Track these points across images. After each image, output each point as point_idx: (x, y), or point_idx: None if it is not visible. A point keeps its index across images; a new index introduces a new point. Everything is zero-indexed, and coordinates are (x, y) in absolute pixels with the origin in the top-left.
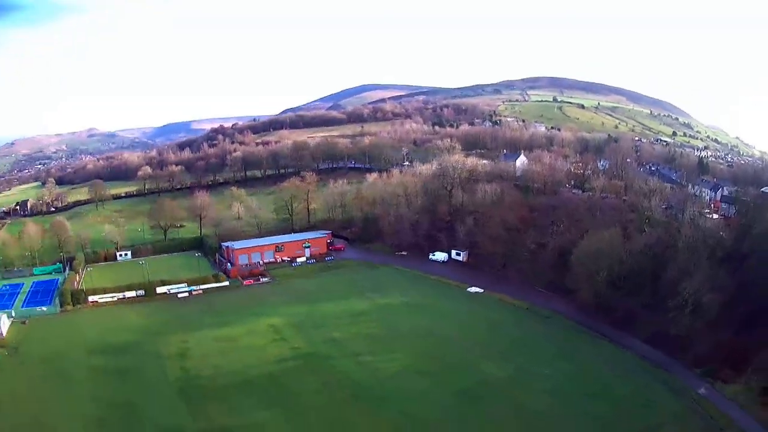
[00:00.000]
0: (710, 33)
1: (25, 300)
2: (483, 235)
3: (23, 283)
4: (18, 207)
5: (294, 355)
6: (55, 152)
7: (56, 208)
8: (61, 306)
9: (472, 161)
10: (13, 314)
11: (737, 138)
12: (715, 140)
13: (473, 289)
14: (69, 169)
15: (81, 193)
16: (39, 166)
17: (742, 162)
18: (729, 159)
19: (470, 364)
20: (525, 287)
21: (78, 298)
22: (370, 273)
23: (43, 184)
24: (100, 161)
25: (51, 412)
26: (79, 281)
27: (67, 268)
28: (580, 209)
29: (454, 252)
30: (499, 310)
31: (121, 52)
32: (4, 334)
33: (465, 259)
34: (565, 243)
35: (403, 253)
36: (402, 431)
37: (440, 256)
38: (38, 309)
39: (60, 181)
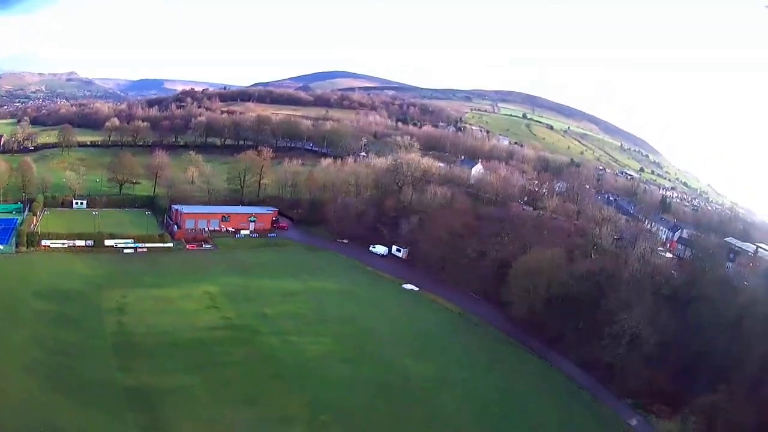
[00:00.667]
0: (701, 76)
1: None
2: (426, 235)
3: None
4: None
5: (224, 324)
6: (34, 92)
7: (26, 147)
8: (17, 247)
9: (427, 162)
10: None
11: (709, 186)
12: (684, 183)
13: (408, 286)
14: (44, 111)
15: (51, 136)
16: (17, 104)
17: (709, 208)
18: (695, 203)
19: (393, 358)
20: (460, 293)
21: (32, 240)
22: (309, 255)
23: (19, 121)
24: (73, 107)
25: None
26: (36, 224)
27: (26, 209)
28: (527, 225)
29: (394, 247)
30: (430, 311)
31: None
32: None
33: (404, 256)
34: (506, 255)
35: (345, 241)
36: (315, 410)
37: (380, 249)
38: None
39: (34, 121)
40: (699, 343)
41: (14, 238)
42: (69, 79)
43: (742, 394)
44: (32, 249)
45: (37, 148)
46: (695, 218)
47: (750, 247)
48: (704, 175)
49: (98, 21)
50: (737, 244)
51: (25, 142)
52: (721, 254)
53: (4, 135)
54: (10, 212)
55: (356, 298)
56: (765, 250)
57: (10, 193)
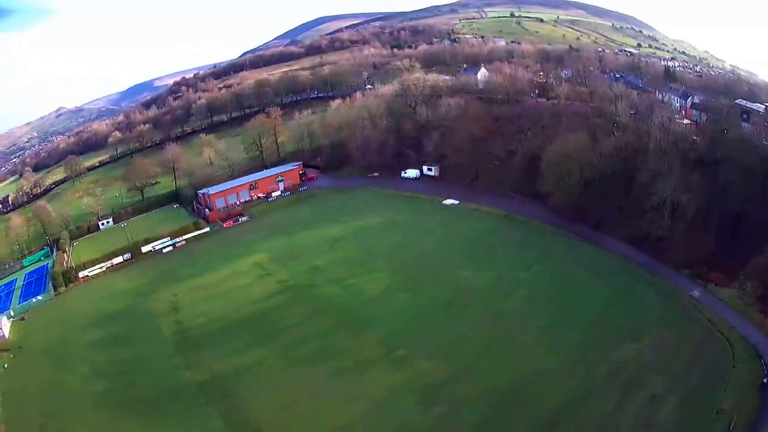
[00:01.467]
0: None
1: (20, 295)
2: (451, 147)
3: (16, 279)
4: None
5: (279, 288)
6: (27, 141)
7: (36, 195)
8: (55, 290)
9: (433, 77)
10: (12, 313)
11: (706, 52)
12: (683, 53)
13: (448, 202)
14: (43, 154)
15: (57, 174)
16: (14, 159)
17: (713, 73)
18: (698, 70)
19: (450, 275)
20: (498, 196)
21: (69, 277)
22: (343, 197)
23: (21, 175)
24: (71, 138)
25: (61, 401)
26: (68, 260)
27: (54, 250)
28: (545, 116)
29: (425, 168)
30: (475, 220)
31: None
32: (7, 335)
33: (437, 174)
34: (533, 149)
35: (375, 174)
36: (389, 347)
37: (412, 173)
38: (34, 300)
39: (36, 168)
40: (735, 204)
41: (50, 283)
42: (58, 116)
43: None
44: (71, 286)
45: (47, 191)
46: (702, 84)
47: (760, 107)
48: (700, 42)
49: (70, 45)
50: (748, 105)
51: (34, 190)
52: (735, 115)
53: (10, 194)
54: (39, 260)
55: (400, 226)
56: None
57: (34, 242)
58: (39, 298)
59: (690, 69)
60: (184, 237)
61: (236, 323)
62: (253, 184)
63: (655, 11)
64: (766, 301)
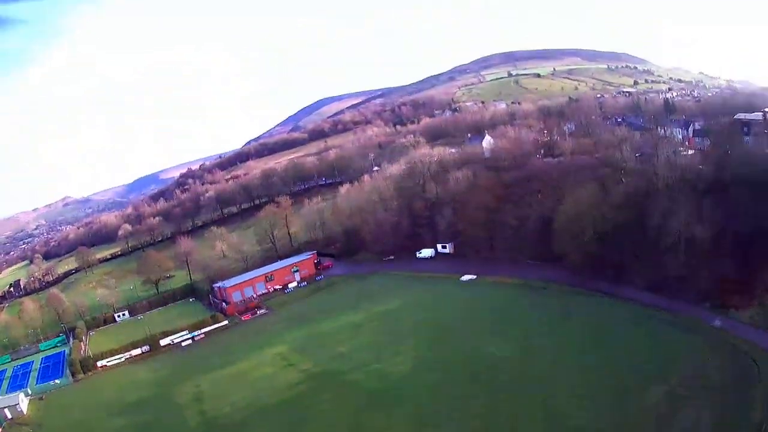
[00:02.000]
0: None
1: (38, 377)
2: (464, 222)
3: (33, 361)
4: (12, 288)
5: (305, 377)
6: (35, 228)
7: (48, 282)
8: (73, 376)
9: (439, 151)
10: (30, 391)
11: (701, 73)
12: (679, 80)
13: (466, 278)
14: (53, 243)
15: (69, 263)
16: (23, 246)
17: (710, 95)
18: (695, 95)
19: (474, 348)
20: (516, 264)
21: (87, 365)
22: (361, 284)
23: (31, 261)
24: (80, 229)
25: None
26: (85, 348)
27: (70, 338)
28: (553, 175)
29: (439, 246)
30: (495, 292)
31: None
32: (25, 411)
33: (452, 251)
34: (545, 211)
35: (390, 257)
36: (420, 424)
37: (427, 252)
38: (52, 383)
39: (47, 256)
40: (748, 223)
41: (68, 369)
42: (65, 205)
43: None
44: (90, 374)
45: (59, 279)
46: (701, 108)
47: (758, 116)
48: (694, 64)
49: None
50: (746, 117)
51: (46, 277)
52: (736, 132)
53: (22, 278)
54: (55, 346)
55: (421, 306)
56: None
57: (48, 329)
58: (57, 381)
59: (688, 95)
60: (203, 330)
61: (263, 412)
62: (269, 275)
63: (646, 42)
64: None
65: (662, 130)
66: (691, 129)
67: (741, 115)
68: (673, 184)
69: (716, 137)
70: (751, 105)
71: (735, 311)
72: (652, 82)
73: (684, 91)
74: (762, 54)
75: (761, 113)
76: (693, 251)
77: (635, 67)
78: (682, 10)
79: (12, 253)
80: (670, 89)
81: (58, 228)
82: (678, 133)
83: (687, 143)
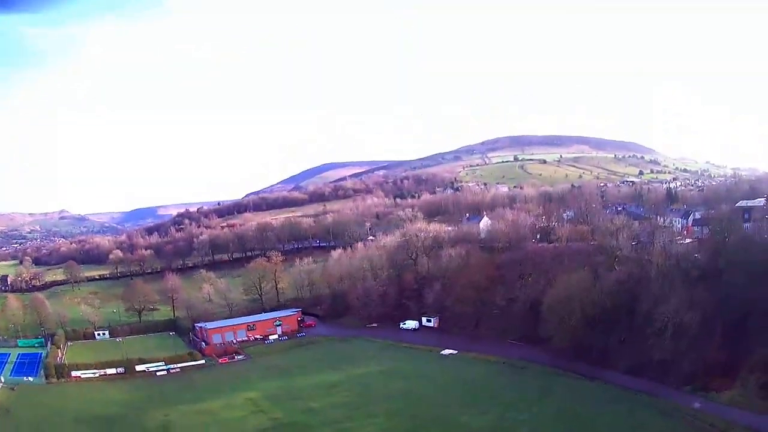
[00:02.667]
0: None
1: (12, 369)
2: (452, 298)
3: (9, 353)
4: None
5: (273, 425)
6: (29, 232)
7: (34, 286)
8: (47, 378)
9: (435, 227)
10: (2, 380)
11: (708, 162)
12: (684, 170)
13: (447, 352)
14: (44, 250)
15: (57, 274)
16: (15, 245)
17: (714, 183)
18: (699, 184)
19: (449, 419)
20: (498, 343)
21: (62, 371)
22: (342, 346)
23: (21, 262)
24: (73, 244)
25: None
26: (62, 356)
27: (49, 343)
28: (546, 259)
29: (424, 319)
30: (473, 368)
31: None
32: None
33: (436, 325)
34: (535, 294)
35: (374, 324)
36: None
37: (411, 324)
38: (25, 379)
39: (36, 261)
40: (739, 308)
41: (42, 371)
42: (62, 218)
43: None
44: (62, 380)
45: (45, 286)
46: (703, 198)
47: (760, 201)
48: (700, 154)
49: (78, 159)
50: (748, 204)
51: (33, 281)
52: (736, 218)
53: (9, 275)
54: (33, 346)
55: (398, 374)
56: None
57: (28, 329)
58: (30, 379)
59: (692, 185)
60: (179, 365)
61: None
62: (251, 325)
63: (654, 130)
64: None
65: (661, 219)
66: (691, 218)
67: (743, 203)
68: (666, 271)
69: (715, 224)
70: (755, 191)
71: (716, 393)
72: (658, 172)
73: (688, 181)
74: None
75: (764, 198)
76: (680, 336)
77: (642, 157)
78: (691, 98)
79: (4, 248)
80: (675, 179)
81: (52, 238)
82: (677, 222)
83: (686, 232)
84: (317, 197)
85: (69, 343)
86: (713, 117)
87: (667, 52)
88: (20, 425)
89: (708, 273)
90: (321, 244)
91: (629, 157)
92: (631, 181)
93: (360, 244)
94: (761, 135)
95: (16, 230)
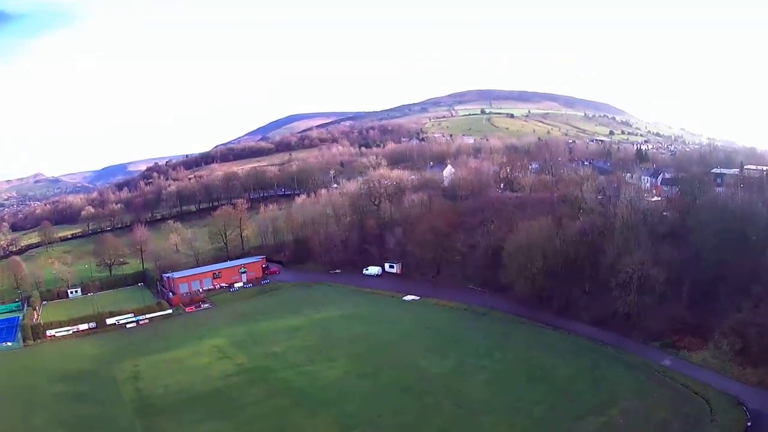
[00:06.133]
0: (646, 34)
1: None
2: (413, 243)
3: None
4: None
5: (238, 370)
6: (6, 199)
7: (11, 251)
8: (24, 341)
9: (398, 173)
10: None
11: (683, 129)
12: (657, 134)
13: (409, 297)
14: (20, 215)
15: (32, 237)
16: None
17: (687, 149)
18: (672, 149)
19: (410, 363)
20: (460, 289)
21: (38, 332)
22: (305, 292)
23: None
24: (47, 206)
25: None
26: (37, 317)
27: (25, 306)
28: (509, 208)
29: (387, 265)
30: (435, 313)
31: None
32: None
33: (398, 271)
34: (496, 241)
35: (337, 270)
36: (344, 428)
37: (373, 270)
38: (3, 345)
39: (13, 227)
40: (709, 269)
41: (20, 334)
42: (36, 181)
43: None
44: (39, 341)
45: (21, 251)
46: (675, 161)
47: (734, 170)
48: (676, 120)
49: (49, 121)
50: (723, 171)
51: (10, 247)
52: (708, 181)
53: None
54: (11, 311)
55: (360, 318)
56: (751, 169)
57: (5, 294)
58: (9, 344)
59: (664, 149)
60: (148, 316)
61: (194, 397)
62: (217, 273)
63: (629, 95)
64: (746, 354)
65: (630, 176)
66: (660, 177)
67: (717, 169)
68: (632, 224)
69: (686, 185)
70: (730, 161)
71: (687, 352)
72: (629, 133)
73: (660, 145)
74: (751, 114)
75: (738, 169)
76: (646, 290)
77: (613, 117)
78: (673, 66)
79: None
80: (647, 141)
81: (27, 202)
82: (646, 181)
83: (654, 190)
84: (283, 147)
85: (44, 303)
86: (693, 83)
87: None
88: None
89: (676, 231)
90: (286, 192)
91: (600, 116)
92: (600, 140)
93: (323, 191)
94: (743, 108)
95: None
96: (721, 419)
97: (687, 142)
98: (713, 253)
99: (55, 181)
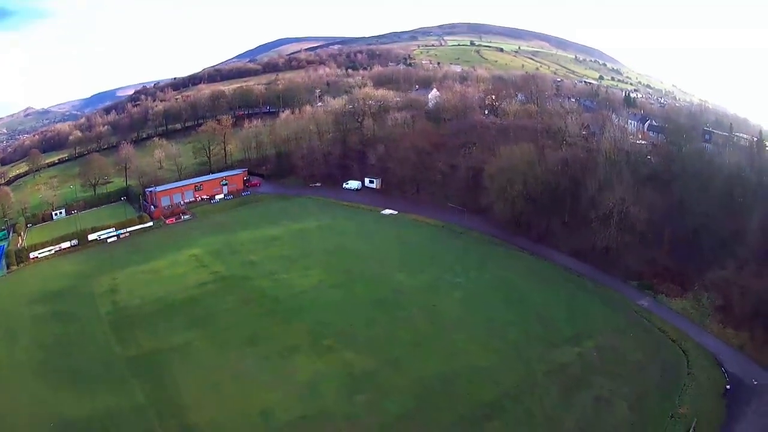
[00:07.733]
0: None
1: None
2: (394, 160)
3: None
4: None
5: (214, 278)
6: None
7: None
8: (8, 267)
9: (383, 92)
10: None
11: (674, 86)
12: (648, 86)
13: (387, 212)
14: (9, 149)
15: (21, 167)
16: None
17: (677, 105)
18: (662, 101)
19: (384, 276)
20: (439, 208)
21: (21, 256)
22: (285, 203)
23: None
24: (36, 136)
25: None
26: (22, 242)
27: (10, 233)
28: (492, 132)
29: (367, 180)
30: (413, 229)
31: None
32: None
33: (378, 186)
34: (477, 163)
35: (317, 184)
36: (316, 336)
37: (353, 184)
38: None
39: (3, 162)
40: (692, 219)
41: (4, 261)
42: (27, 115)
43: (752, 265)
44: (22, 265)
45: (10, 182)
46: (663, 113)
47: (724, 132)
48: (667, 76)
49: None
50: (712, 129)
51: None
52: (696, 136)
53: None
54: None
55: (338, 230)
56: (741, 137)
57: None
58: None
59: (653, 100)
60: (129, 229)
61: (169, 306)
62: (198, 185)
63: (622, 44)
64: (726, 312)
65: (616, 117)
66: (647, 124)
67: (706, 128)
68: (616, 160)
69: (673, 135)
70: (720, 124)
71: (666, 297)
72: (619, 81)
73: (650, 95)
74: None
75: (728, 133)
76: (627, 228)
77: (604, 64)
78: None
79: None
80: (636, 90)
81: (17, 137)
82: (633, 125)
83: (640, 135)
84: (271, 68)
85: (29, 227)
86: (692, 42)
87: None
88: None
89: (659, 176)
90: (271, 110)
91: (591, 61)
92: (589, 82)
93: (308, 107)
94: (742, 77)
95: None
96: (699, 375)
97: (677, 99)
98: (697, 205)
99: (45, 112)
